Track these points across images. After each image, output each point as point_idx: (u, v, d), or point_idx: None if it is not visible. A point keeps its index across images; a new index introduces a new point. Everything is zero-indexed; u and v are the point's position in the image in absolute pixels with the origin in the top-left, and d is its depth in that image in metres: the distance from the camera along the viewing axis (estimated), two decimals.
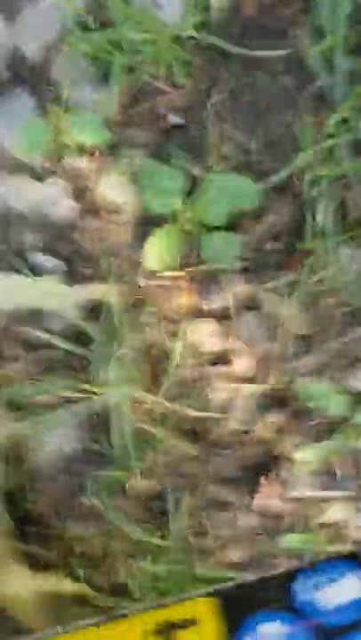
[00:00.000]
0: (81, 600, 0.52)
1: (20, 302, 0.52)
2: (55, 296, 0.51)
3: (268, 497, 0.52)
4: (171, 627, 0.37)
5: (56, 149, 0.50)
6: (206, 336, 0.53)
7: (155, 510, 0.53)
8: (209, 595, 0.38)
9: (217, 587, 0.39)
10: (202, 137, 0.52)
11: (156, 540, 0.52)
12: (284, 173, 0.53)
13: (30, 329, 0.52)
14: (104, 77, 0.50)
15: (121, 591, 0.52)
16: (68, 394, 0.52)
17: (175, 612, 0.37)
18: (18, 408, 0.52)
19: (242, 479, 0.53)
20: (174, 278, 0.53)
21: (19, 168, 0.51)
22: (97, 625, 0.38)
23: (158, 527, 0.53)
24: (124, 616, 0.38)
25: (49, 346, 0.52)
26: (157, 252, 0.51)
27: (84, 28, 0.50)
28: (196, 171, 0.52)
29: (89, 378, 0.52)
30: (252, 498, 0.52)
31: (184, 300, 0.53)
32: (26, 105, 0.50)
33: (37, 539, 0.53)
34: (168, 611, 0.38)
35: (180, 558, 0.52)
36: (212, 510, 0.53)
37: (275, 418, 0.52)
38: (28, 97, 0.50)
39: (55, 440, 0.53)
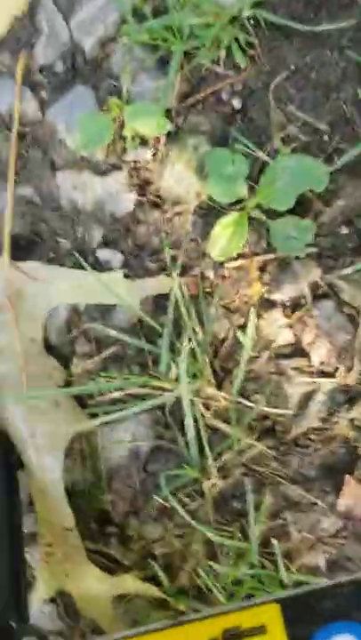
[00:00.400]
0: (158, 603, 0.50)
1: (87, 298, 0.52)
2: (119, 290, 0.50)
3: (352, 497, 0.49)
4: (238, 634, 0.35)
5: (117, 142, 0.50)
6: (279, 328, 0.51)
7: (234, 511, 0.52)
8: (280, 601, 0.35)
9: (288, 593, 0.37)
10: (266, 120, 0.50)
11: (237, 543, 0.50)
12: (354, 152, 0.50)
13: (99, 325, 0.52)
14: (163, 66, 0.49)
15: (200, 595, 0.51)
16: (138, 390, 0.51)
17: (244, 619, 0.35)
18: (89, 405, 0.52)
19: (323, 479, 0.50)
20: (243, 268, 0.51)
21: (81, 163, 0.51)
22: (163, 628, 0.36)
23: (238, 529, 0.51)
24: (192, 620, 0.36)
25: (117, 341, 0.52)
26: (224, 241, 0.50)
27: (141, 17, 0.49)
28: (261, 155, 0.50)
29: (158, 373, 0.50)
30: (336, 498, 0.49)
31: (254, 290, 0.51)
32: (86, 100, 0.50)
33: (111, 539, 0.52)
34: (236, 617, 0.36)
35: (262, 561, 0.50)
36: (294, 512, 0.50)
37: (356, 414, 0.49)
38: (89, 91, 0.50)
39: (127, 437, 0.52)
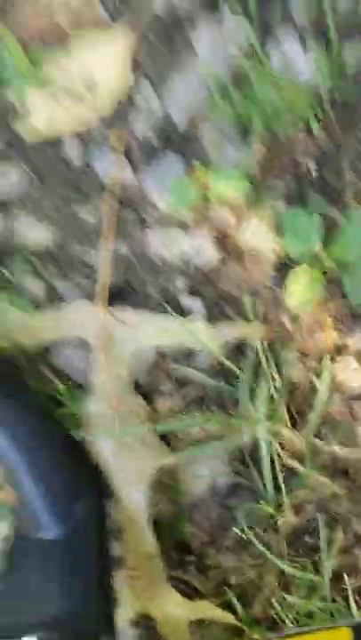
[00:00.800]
0: (233, 631, 0.53)
1: (170, 341, 0.57)
2: (201, 335, 0.55)
3: None
4: None
5: (202, 203, 0.55)
6: (353, 371, 0.54)
7: (307, 546, 0.54)
8: (352, 626, 0.37)
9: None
10: (340, 180, 0.54)
11: (309, 576, 0.52)
12: None
13: (180, 366, 0.56)
14: (245, 135, 0.54)
15: (273, 625, 0.53)
16: (218, 429, 0.55)
17: None
18: (172, 441, 0.56)
19: None
20: (318, 316, 0.54)
21: (169, 222, 0.56)
22: None
23: (311, 563, 0.53)
24: None
25: (197, 383, 0.56)
26: (299, 290, 0.54)
27: (226, 92, 0.54)
28: (335, 212, 0.53)
29: (237, 414, 0.54)
30: None
31: (328, 337, 0.54)
32: (176, 167, 0.56)
33: (190, 567, 0.56)
34: (308, 639, 0.38)
35: (333, 596, 0.52)
36: None
37: None
38: (179, 160, 0.56)
39: (206, 473, 0.56)
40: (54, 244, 0.58)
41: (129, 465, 0.56)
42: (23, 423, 0.56)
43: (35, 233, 0.59)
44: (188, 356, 0.57)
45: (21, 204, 0.58)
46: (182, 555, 0.57)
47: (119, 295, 0.58)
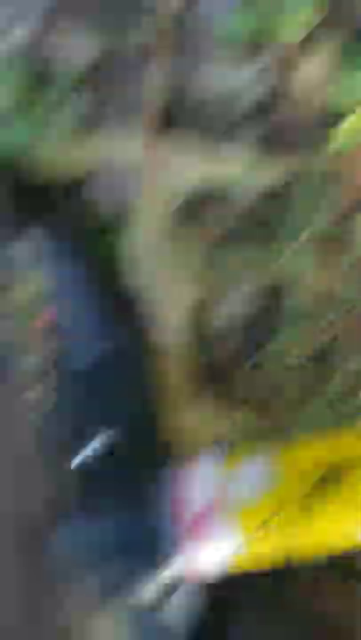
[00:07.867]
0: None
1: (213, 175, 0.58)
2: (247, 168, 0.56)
3: None
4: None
5: (261, 35, 0.54)
6: None
7: None
8: None
9: None
10: None
11: None
12: None
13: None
14: None
15: None
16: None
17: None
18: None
19: None
20: None
21: (223, 51, 0.55)
22: None
23: None
24: None
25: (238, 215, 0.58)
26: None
27: None
28: None
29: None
30: None
31: None
32: None
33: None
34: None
35: None
36: None
37: None
38: None
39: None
40: (102, 61, 0.56)
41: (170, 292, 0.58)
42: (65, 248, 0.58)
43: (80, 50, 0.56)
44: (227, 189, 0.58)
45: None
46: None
47: (166, 124, 0.58)
